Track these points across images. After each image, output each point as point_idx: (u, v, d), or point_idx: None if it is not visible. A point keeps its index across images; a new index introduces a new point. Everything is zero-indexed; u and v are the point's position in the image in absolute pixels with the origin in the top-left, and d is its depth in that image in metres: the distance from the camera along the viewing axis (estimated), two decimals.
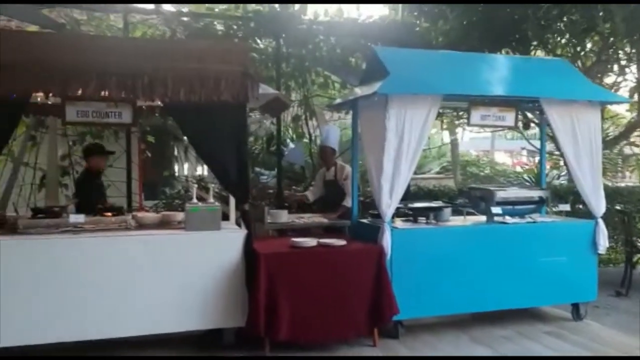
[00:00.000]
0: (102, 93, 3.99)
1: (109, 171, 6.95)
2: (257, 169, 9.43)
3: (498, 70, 5.30)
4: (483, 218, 5.45)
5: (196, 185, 4.92)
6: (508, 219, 5.32)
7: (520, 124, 6.20)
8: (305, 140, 8.64)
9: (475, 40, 7.09)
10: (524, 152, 13.54)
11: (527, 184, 10.31)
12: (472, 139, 21.38)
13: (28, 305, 4.01)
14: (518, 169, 15.43)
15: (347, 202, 5.67)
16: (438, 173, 16.53)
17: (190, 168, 12.35)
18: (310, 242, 4.63)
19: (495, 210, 5.27)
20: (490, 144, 22.80)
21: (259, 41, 7.52)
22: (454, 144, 15.62)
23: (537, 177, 10.60)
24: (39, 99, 4.62)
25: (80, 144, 6.72)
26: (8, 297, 3.94)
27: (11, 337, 3.96)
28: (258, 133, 9.24)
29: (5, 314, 3.93)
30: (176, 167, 12.18)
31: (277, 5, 7.36)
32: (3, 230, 4.35)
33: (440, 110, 5.02)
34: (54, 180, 6.82)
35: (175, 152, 10.93)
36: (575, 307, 5.41)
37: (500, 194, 5.34)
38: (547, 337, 4.96)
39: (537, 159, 13.34)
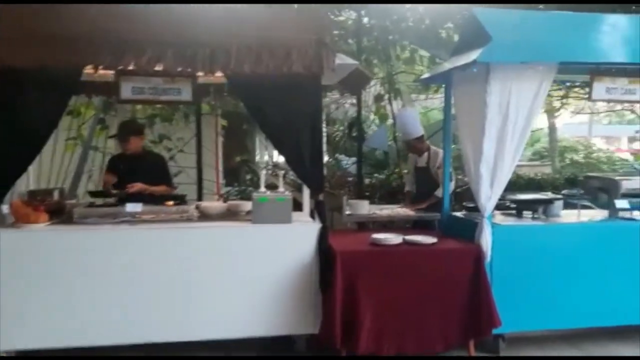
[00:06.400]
0: (158, 66, 3.53)
1: (179, 156, 6.65)
2: (337, 155, 8.85)
3: (627, 33, 4.35)
4: (604, 213, 4.64)
5: (264, 172, 4.39)
6: (636, 214, 4.47)
7: None
8: (390, 122, 7.91)
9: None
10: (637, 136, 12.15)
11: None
12: (565, 125, 19.86)
13: (76, 304, 3.66)
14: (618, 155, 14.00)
15: (439, 193, 4.95)
16: (531, 160, 15.43)
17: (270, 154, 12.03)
18: (394, 239, 4.02)
19: (621, 203, 4.46)
20: (588, 129, 21.19)
21: (338, 13, 6.88)
22: (552, 128, 14.43)
23: None
24: (95, 76, 4.24)
25: (150, 128, 6.41)
26: (60, 293, 3.62)
27: (62, 338, 3.65)
28: (336, 115, 8.64)
29: (57, 313, 3.62)
30: (257, 154, 11.88)
31: None
32: (61, 218, 4.05)
33: None
34: None
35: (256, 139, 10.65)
36: None
37: (627, 185, 4.53)
38: None
39: None
